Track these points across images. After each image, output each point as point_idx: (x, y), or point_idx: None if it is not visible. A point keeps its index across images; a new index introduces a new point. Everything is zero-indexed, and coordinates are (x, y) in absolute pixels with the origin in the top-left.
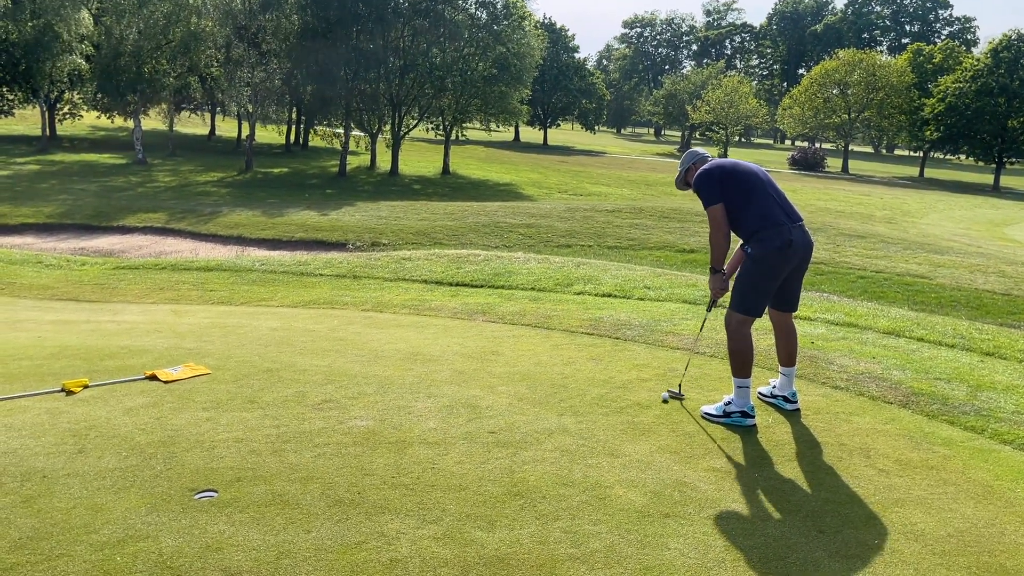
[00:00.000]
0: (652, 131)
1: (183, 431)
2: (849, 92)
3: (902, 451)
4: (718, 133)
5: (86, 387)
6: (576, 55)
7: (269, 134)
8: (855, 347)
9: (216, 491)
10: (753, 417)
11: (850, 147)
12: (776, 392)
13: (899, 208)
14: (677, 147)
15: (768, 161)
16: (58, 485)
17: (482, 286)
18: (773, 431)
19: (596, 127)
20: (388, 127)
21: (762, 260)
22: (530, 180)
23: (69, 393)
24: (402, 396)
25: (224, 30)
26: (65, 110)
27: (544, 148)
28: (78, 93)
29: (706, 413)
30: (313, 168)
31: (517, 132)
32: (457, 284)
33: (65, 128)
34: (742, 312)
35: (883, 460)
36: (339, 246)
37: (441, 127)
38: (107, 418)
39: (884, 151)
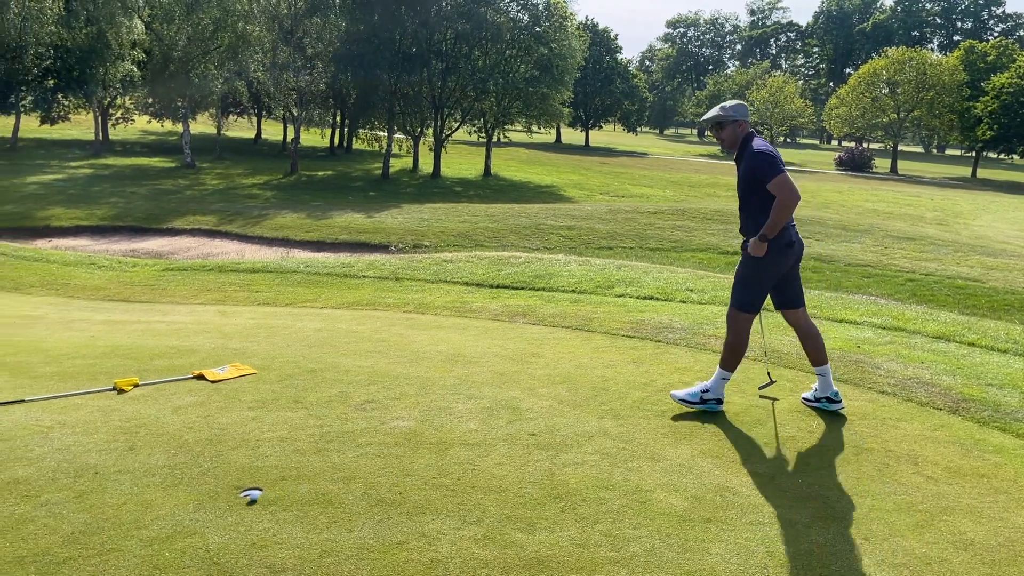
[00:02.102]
0: (695, 132)
1: (229, 430)
2: (898, 91)
3: (951, 458)
4: (762, 134)
5: (136, 386)
6: (619, 56)
7: (313, 137)
8: (903, 351)
9: (261, 489)
10: (722, 405)
11: (899, 147)
12: (818, 395)
13: (950, 209)
14: (720, 148)
15: (814, 162)
16: (109, 481)
17: (523, 288)
18: (817, 436)
19: (638, 128)
20: (430, 130)
21: (767, 258)
22: (571, 182)
23: (120, 391)
24: (443, 397)
25: (270, 35)
26: (117, 115)
27: (586, 149)
28: (130, 98)
29: (681, 399)
30: (357, 171)
31: (559, 134)
32: (498, 286)
33: (117, 132)
34: (744, 309)
35: (931, 467)
36: (382, 248)
37: (483, 129)
38: (156, 416)
39: (935, 151)
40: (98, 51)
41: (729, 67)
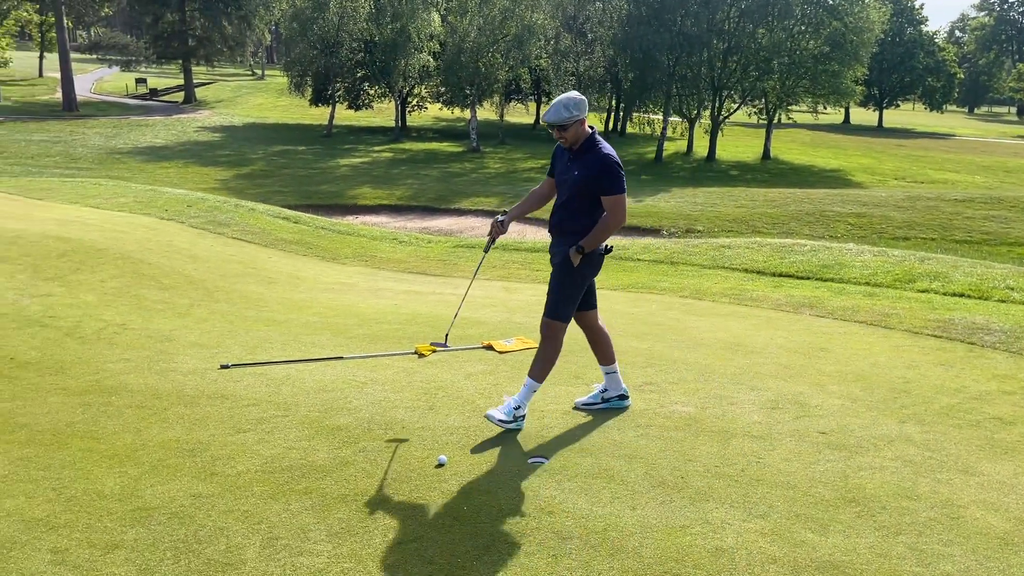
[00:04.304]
0: (1014, 110)
1: None
2: None
3: None
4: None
5: (434, 351)
6: (923, 27)
7: (590, 121)
8: None
9: (546, 458)
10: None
11: None
12: (609, 395)
13: None
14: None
15: None
16: (415, 436)
17: (808, 278)
18: None
19: (943, 107)
20: (707, 112)
21: (584, 266)
22: (861, 166)
23: (420, 356)
24: (723, 386)
25: (554, 22)
26: (414, 103)
27: (878, 131)
28: (425, 87)
29: (499, 420)
30: (629, 154)
31: (847, 114)
32: (780, 275)
33: (413, 119)
34: (562, 319)
35: None
36: (653, 232)
37: (763, 111)
38: (452, 381)
39: None
40: (400, 44)
41: None
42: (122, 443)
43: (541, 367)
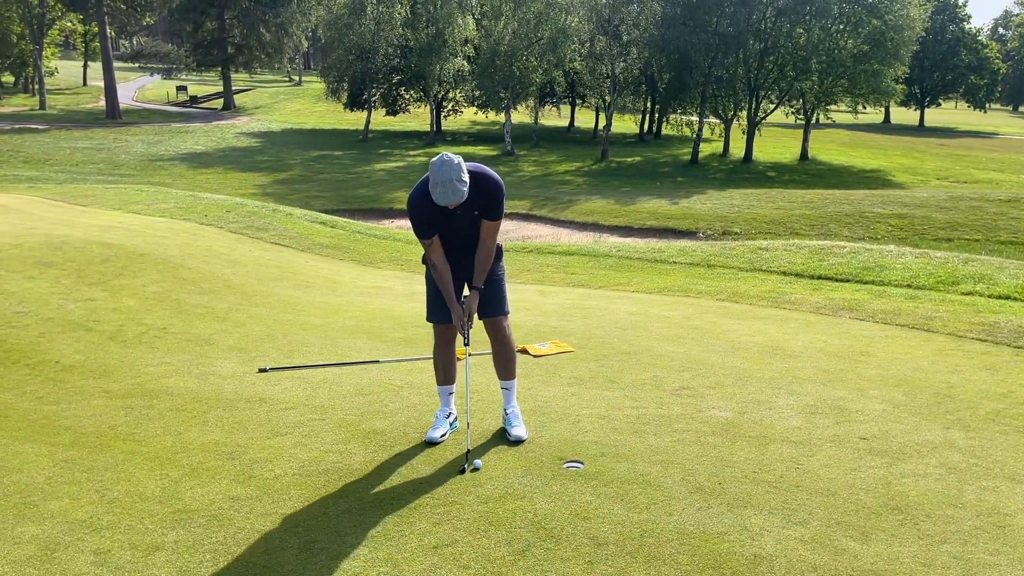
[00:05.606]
0: None
1: (551, 403)
2: None
3: None
4: None
5: (469, 355)
6: (966, 24)
7: (624, 124)
8: None
9: (582, 463)
10: None
11: None
12: (452, 417)
13: None
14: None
15: None
16: (450, 440)
17: (848, 280)
18: None
19: (987, 105)
20: (744, 112)
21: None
22: (902, 166)
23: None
24: (762, 390)
25: (589, 25)
26: (449, 107)
27: (920, 130)
28: (460, 91)
29: (524, 432)
30: (664, 156)
31: (887, 113)
32: (819, 277)
33: (448, 124)
34: (507, 312)
35: None
36: (689, 234)
37: (801, 111)
38: (486, 385)
39: None
40: (435, 49)
41: None
42: (163, 446)
43: (513, 367)
